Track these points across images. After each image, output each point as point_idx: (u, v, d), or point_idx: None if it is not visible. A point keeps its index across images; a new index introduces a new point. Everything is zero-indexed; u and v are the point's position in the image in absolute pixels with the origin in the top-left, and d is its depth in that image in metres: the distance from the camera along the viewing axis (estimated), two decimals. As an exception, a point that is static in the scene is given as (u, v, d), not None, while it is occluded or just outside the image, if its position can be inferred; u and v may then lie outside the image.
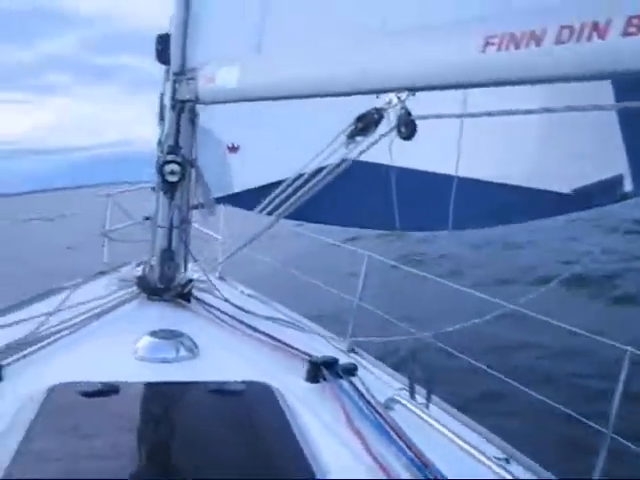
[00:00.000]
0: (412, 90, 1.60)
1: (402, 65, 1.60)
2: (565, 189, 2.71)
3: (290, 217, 2.47)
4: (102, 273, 4.49)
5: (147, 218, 5.34)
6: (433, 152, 2.59)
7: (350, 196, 2.82)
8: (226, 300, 3.04)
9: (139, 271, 4.12)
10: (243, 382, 1.71)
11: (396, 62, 1.62)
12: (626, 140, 2.45)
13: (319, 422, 1.62)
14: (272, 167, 4.30)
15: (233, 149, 4.58)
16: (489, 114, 1.71)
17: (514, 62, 1.35)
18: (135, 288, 2.94)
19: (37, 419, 1.36)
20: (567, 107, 1.49)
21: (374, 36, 1.81)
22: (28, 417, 1.37)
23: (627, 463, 2.42)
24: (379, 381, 2.75)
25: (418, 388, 2.78)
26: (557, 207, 2.77)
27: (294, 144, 4.07)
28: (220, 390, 1.64)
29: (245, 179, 4.37)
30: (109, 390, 1.54)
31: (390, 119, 1.73)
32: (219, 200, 3.97)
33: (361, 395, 1.79)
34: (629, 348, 2.26)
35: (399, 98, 1.63)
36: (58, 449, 1.27)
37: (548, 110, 1.71)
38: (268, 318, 2.96)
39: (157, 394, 1.65)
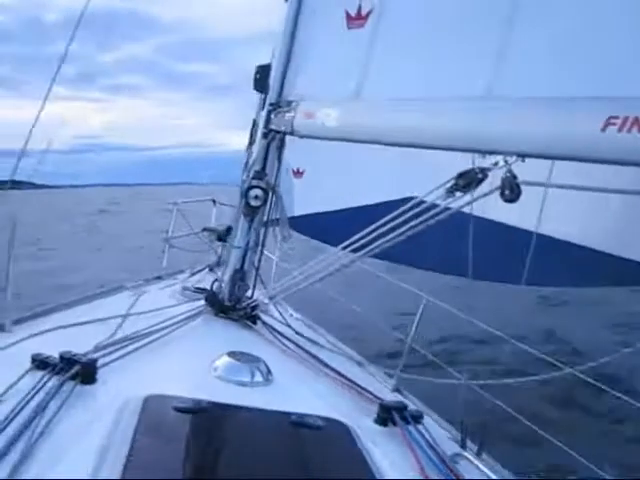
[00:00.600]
0: (521, 156, 1.65)
1: (515, 130, 1.65)
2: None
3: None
4: (159, 277, 4.65)
5: (205, 229, 5.53)
6: (514, 205, 2.63)
7: (427, 239, 2.88)
8: (288, 325, 3.12)
9: (197, 281, 4.26)
10: (321, 417, 1.76)
11: (509, 127, 1.67)
12: None
13: (393, 465, 1.66)
14: (333, 196, 4.40)
15: (298, 173, 4.71)
16: (588, 189, 1.75)
17: (631, 144, 1.39)
18: (203, 303, 3.04)
19: (138, 430, 1.43)
20: None
21: (488, 100, 1.86)
22: (129, 427, 1.45)
23: None
24: (433, 427, 2.77)
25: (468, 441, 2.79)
26: (636, 278, 2.75)
27: (357, 175, 4.16)
28: (300, 423, 1.69)
29: (306, 204, 4.48)
30: (199, 409, 1.61)
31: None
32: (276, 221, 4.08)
33: (429, 444, 1.83)
34: None
35: (506, 162, 1.68)
36: (161, 462, 1.34)
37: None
38: (329, 349, 3.02)
39: (242, 418, 1.71)
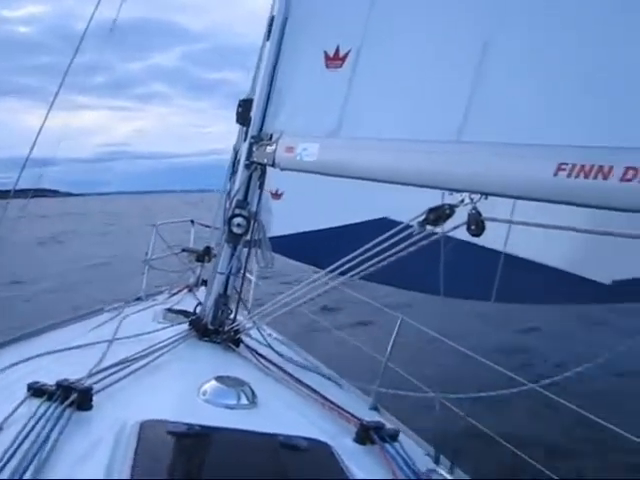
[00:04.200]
0: (485, 194, 1.82)
1: (479, 172, 1.82)
2: (605, 280, 2.90)
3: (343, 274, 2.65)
4: (139, 299, 4.73)
5: (184, 250, 5.62)
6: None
7: (402, 259, 3.01)
8: (269, 346, 3.24)
9: (177, 302, 4.35)
10: (305, 438, 1.88)
11: (474, 169, 1.85)
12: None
13: None
14: (311, 216, 4.54)
15: (276, 195, 4.84)
16: (548, 227, 1.92)
17: (581, 189, 1.57)
18: (187, 327, 3.14)
19: (137, 455, 1.53)
20: (605, 232, 1.72)
21: (457, 144, 2.04)
22: (129, 453, 1.55)
23: None
24: (408, 444, 2.89)
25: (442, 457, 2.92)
26: (595, 296, 2.94)
27: (334, 196, 4.31)
28: (287, 444, 1.81)
29: (283, 225, 4.60)
30: (193, 433, 1.72)
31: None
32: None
33: (405, 461, 1.97)
34: None
35: (472, 200, 1.85)
36: None
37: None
38: (308, 369, 3.15)
39: (233, 440, 1.82)
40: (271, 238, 4.62)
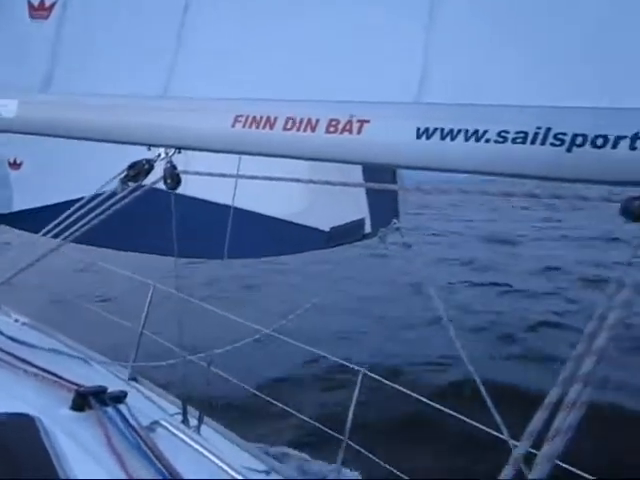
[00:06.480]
0: (178, 148, 1.88)
1: (172, 126, 1.87)
2: (324, 227, 3.23)
3: (76, 241, 2.53)
4: None
5: None
6: (214, 181, 2.88)
7: (133, 222, 2.96)
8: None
9: None
10: (6, 414, 1.77)
11: (168, 123, 1.89)
12: (367, 193, 3.04)
13: (80, 449, 1.72)
14: (54, 188, 4.22)
15: (15, 165, 4.40)
16: (254, 177, 2.05)
17: (254, 138, 1.71)
18: None
19: None
20: (325, 181, 1.90)
21: (158, 100, 2.04)
22: None
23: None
24: (154, 407, 2.90)
25: (193, 411, 3.02)
26: (317, 243, 3.27)
27: (76, 166, 4.06)
28: None
29: (26, 199, 4.22)
30: None
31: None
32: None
33: (125, 421, 1.93)
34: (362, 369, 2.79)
35: (167, 153, 1.90)
36: None
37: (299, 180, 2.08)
38: (46, 349, 2.94)
39: None
40: (13, 213, 4.20)
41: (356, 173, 2.83)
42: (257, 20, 2.24)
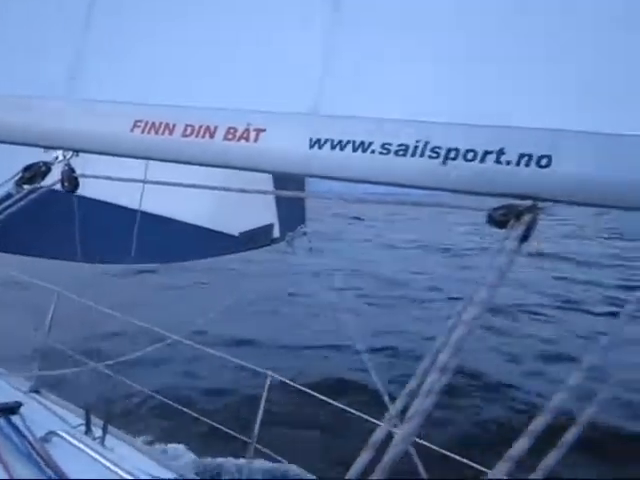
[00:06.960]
0: (76, 151, 1.85)
1: (69, 129, 1.84)
2: (234, 231, 3.25)
3: None
4: None
5: None
6: (121, 185, 2.83)
7: (34, 226, 2.86)
8: None
9: None
10: None
11: (65, 125, 1.85)
12: (276, 199, 3.09)
13: None
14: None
15: None
16: (158, 183, 2.04)
17: (152, 144, 1.71)
18: None
19: None
20: (224, 187, 1.91)
21: (54, 100, 1.99)
22: None
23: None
24: (55, 418, 2.82)
25: (98, 421, 2.94)
26: (227, 248, 3.28)
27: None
28: None
29: None
30: None
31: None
32: None
33: (17, 431, 1.92)
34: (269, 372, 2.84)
35: (65, 156, 1.86)
36: None
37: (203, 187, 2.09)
38: None
39: None
40: None
41: (266, 180, 2.88)
42: (158, 22, 2.25)
